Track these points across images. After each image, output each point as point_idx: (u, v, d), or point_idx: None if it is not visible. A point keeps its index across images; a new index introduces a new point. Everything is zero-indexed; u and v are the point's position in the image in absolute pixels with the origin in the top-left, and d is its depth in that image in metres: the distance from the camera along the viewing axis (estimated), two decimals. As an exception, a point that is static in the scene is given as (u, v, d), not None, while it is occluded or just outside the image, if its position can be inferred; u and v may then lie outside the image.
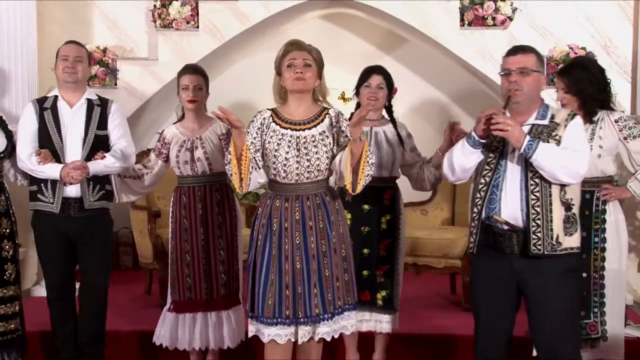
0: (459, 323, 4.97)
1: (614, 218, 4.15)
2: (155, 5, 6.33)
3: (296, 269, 3.48)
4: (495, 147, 3.40)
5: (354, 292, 3.62)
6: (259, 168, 3.54)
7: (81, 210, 4.22)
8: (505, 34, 6.22)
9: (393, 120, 4.35)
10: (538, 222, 3.28)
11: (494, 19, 6.18)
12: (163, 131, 4.42)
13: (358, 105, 4.36)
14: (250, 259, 3.58)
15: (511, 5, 6.20)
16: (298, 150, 3.51)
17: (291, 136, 3.53)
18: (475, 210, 3.40)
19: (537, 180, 3.29)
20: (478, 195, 3.40)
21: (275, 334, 3.50)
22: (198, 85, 4.33)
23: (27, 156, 4.16)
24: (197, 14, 6.30)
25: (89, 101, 4.31)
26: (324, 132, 3.55)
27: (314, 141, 3.52)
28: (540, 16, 6.30)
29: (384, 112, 4.37)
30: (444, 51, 6.45)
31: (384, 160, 4.22)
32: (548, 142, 3.29)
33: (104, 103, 4.35)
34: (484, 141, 3.36)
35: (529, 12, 6.28)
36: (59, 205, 4.19)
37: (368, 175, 3.46)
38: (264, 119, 3.59)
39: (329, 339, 3.57)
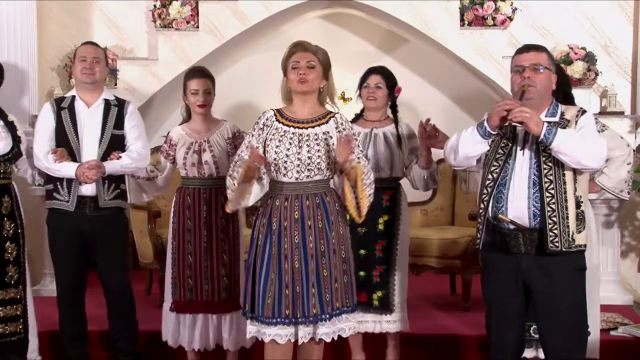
0: (459, 323, 4.97)
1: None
2: (155, 5, 6.33)
3: (295, 269, 3.48)
4: (505, 144, 3.39)
5: (353, 295, 3.62)
6: (262, 178, 3.56)
7: (96, 208, 4.25)
8: (505, 34, 6.22)
9: (396, 120, 4.35)
10: (554, 219, 3.26)
11: (494, 19, 6.18)
12: (169, 133, 4.43)
13: (363, 110, 4.38)
14: (250, 259, 3.59)
15: (511, 5, 6.20)
16: (300, 147, 3.51)
17: (293, 133, 3.54)
18: (482, 206, 3.39)
19: (551, 177, 3.28)
20: (485, 191, 3.38)
21: (275, 334, 3.50)
22: (207, 89, 4.32)
23: (44, 154, 4.21)
24: (197, 14, 6.31)
25: (106, 101, 4.35)
26: (327, 132, 3.56)
27: (316, 139, 3.53)
28: (540, 16, 6.30)
29: (389, 113, 4.37)
30: (444, 51, 6.45)
31: (381, 161, 4.23)
32: None
33: (121, 103, 4.39)
34: (494, 133, 3.35)
35: (529, 12, 6.29)
36: (74, 203, 4.22)
37: (370, 195, 3.51)
38: (267, 118, 3.61)
39: (328, 340, 3.56)
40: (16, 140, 4.20)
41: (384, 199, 4.25)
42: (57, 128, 4.26)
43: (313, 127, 3.56)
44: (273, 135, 3.55)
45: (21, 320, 4.18)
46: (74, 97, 4.33)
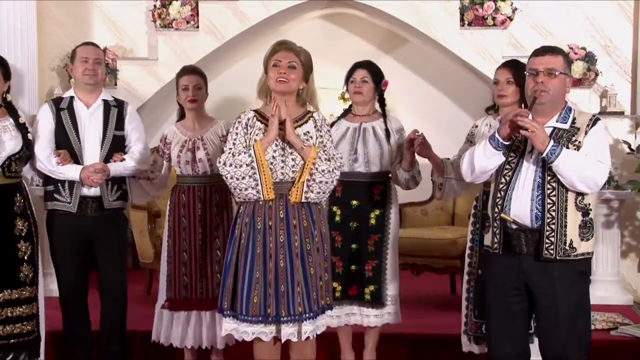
0: (459, 323, 4.96)
1: None
2: (155, 5, 6.33)
3: (280, 268, 3.49)
4: (517, 147, 3.37)
5: (331, 292, 3.68)
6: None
7: (99, 209, 4.24)
8: (505, 34, 6.23)
9: (384, 114, 4.34)
10: (552, 226, 3.25)
11: (494, 19, 6.18)
12: (164, 132, 4.46)
13: (351, 105, 4.39)
14: (229, 257, 3.58)
15: (511, 5, 6.21)
16: (283, 149, 3.52)
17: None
18: (497, 210, 3.36)
19: (554, 184, 3.26)
20: (499, 195, 3.36)
21: (260, 332, 3.51)
22: (197, 85, 4.35)
23: (46, 157, 4.17)
24: (197, 14, 6.32)
25: (105, 102, 4.33)
26: (308, 132, 3.58)
27: None
28: (540, 16, 6.30)
29: (377, 107, 4.37)
30: (444, 51, 6.46)
31: (371, 155, 4.22)
32: (568, 147, 3.25)
33: (120, 104, 4.38)
34: (507, 143, 3.32)
35: (529, 12, 6.29)
36: (77, 204, 4.20)
37: (321, 182, 3.49)
38: (248, 119, 3.60)
39: (312, 338, 3.56)
40: (26, 141, 4.15)
41: (375, 194, 4.25)
42: (57, 129, 4.22)
43: (294, 128, 3.54)
44: (257, 136, 3.55)
45: (35, 320, 4.16)
46: (72, 97, 4.30)
